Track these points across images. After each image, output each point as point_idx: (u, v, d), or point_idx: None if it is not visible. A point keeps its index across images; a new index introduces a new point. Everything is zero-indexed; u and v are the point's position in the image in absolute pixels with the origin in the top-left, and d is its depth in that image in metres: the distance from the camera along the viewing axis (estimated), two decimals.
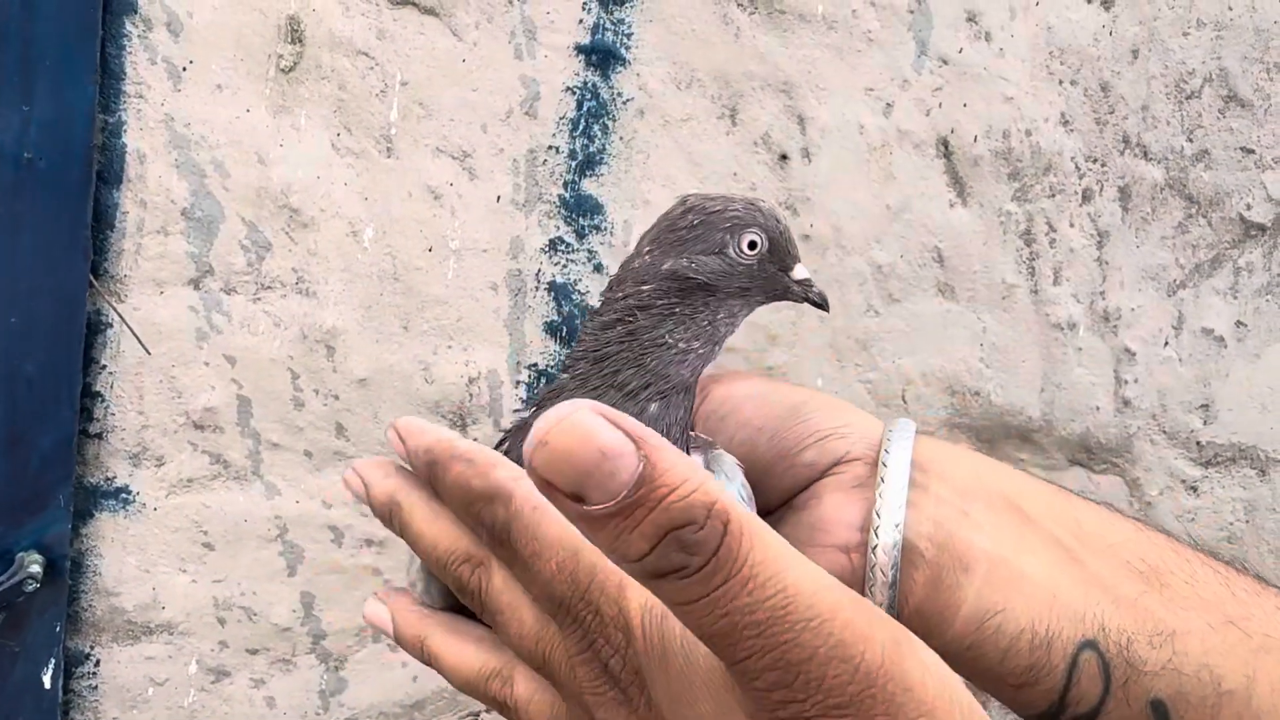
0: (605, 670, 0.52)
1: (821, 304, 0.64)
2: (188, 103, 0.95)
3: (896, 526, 0.62)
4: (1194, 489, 1.31)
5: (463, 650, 0.60)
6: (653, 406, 0.60)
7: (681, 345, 0.61)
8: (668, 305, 0.61)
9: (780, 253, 0.62)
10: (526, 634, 0.55)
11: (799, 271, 0.63)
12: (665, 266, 0.61)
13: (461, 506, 0.56)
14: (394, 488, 0.62)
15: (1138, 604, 0.61)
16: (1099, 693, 0.61)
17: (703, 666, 0.45)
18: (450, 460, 0.56)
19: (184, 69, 0.94)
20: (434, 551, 0.60)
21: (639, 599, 0.50)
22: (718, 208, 0.62)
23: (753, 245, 0.61)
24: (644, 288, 0.61)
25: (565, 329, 1.07)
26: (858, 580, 0.63)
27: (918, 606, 0.62)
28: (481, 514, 0.54)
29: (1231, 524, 1.33)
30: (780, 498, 0.67)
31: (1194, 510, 1.31)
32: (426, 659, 0.62)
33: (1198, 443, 1.30)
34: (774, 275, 0.63)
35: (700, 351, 0.61)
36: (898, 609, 0.62)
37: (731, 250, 0.61)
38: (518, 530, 0.53)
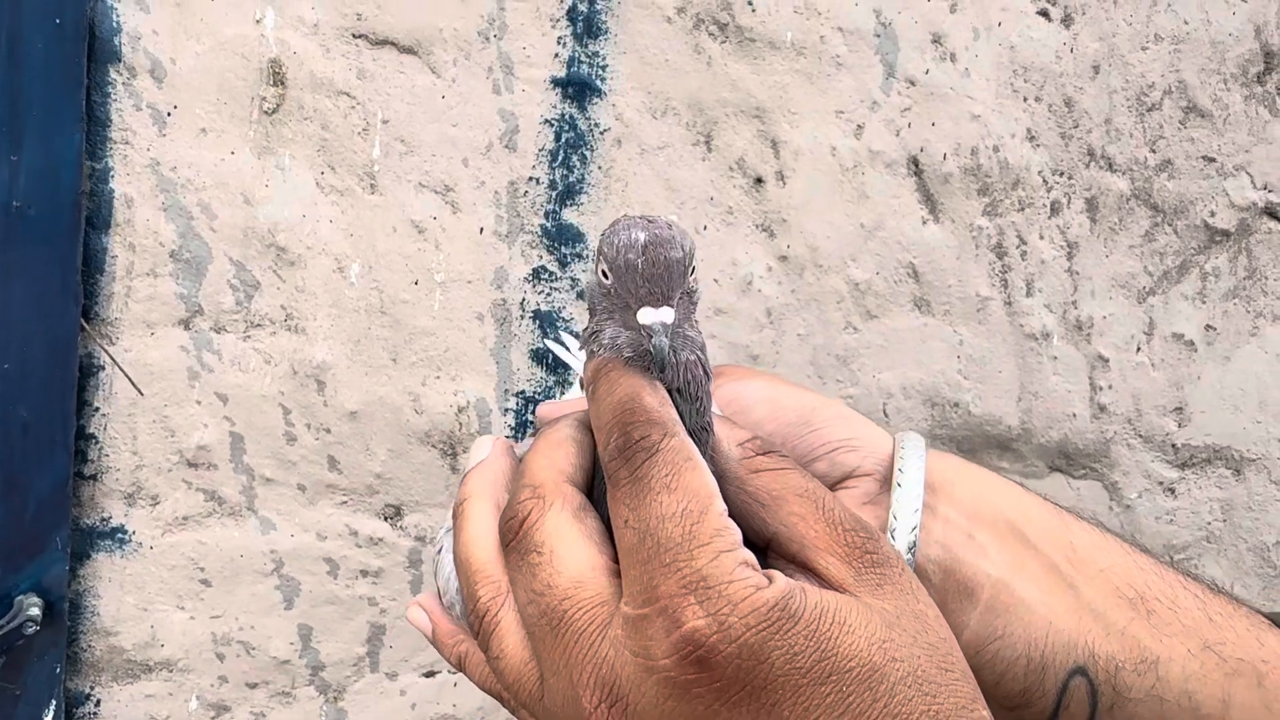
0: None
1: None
2: (173, 147, 0.96)
3: (910, 549, 0.63)
4: (1171, 490, 1.32)
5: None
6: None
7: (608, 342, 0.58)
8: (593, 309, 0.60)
9: (625, 290, 0.56)
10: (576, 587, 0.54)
11: (644, 315, 0.56)
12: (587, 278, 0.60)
13: (615, 413, 0.56)
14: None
15: (1126, 632, 0.64)
16: (1086, 716, 0.64)
17: None
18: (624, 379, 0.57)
19: (168, 114, 0.96)
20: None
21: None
22: (607, 230, 0.58)
23: (605, 275, 0.57)
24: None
25: (551, 356, 1.07)
26: None
27: None
28: (633, 429, 0.54)
29: (1209, 524, 1.34)
30: None
31: (1172, 511, 1.32)
32: (462, 667, 0.64)
33: (1173, 445, 1.31)
34: (625, 310, 0.57)
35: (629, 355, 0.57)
36: None
37: (597, 274, 0.58)
38: (662, 460, 0.53)
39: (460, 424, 1.07)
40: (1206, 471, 1.33)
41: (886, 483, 0.66)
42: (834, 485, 0.66)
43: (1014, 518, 0.66)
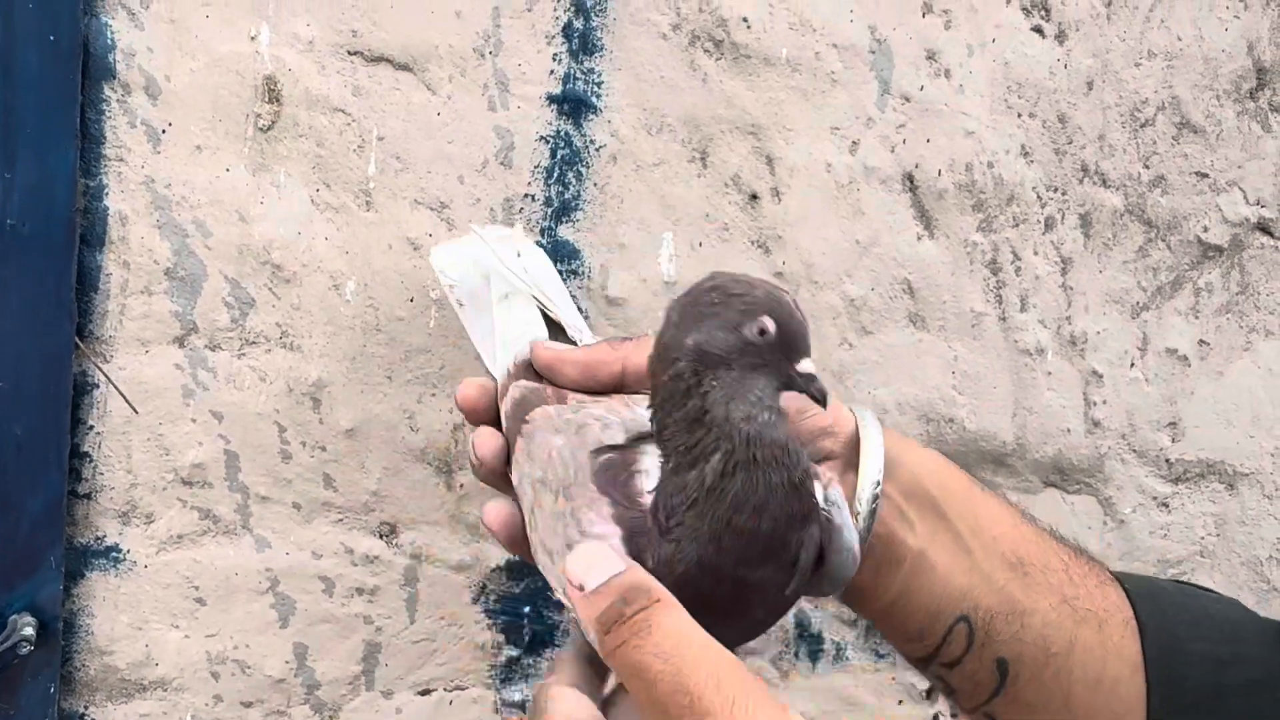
0: None
1: (820, 399, 0.68)
2: (168, 164, 0.96)
3: (869, 519, 0.80)
4: (1165, 505, 1.32)
5: None
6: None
7: (720, 412, 0.65)
8: (696, 376, 0.66)
9: (788, 344, 0.66)
10: None
11: (804, 365, 0.67)
12: (689, 341, 0.66)
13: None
14: None
15: (1004, 590, 0.83)
16: (962, 651, 0.83)
17: None
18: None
19: (163, 131, 0.95)
20: None
21: None
22: (740, 290, 0.66)
23: (763, 331, 0.65)
24: (679, 363, 0.66)
25: None
26: None
27: (859, 585, 0.81)
28: None
29: (1203, 538, 1.34)
30: None
31: (1166, 526, 1.32)
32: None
33: (1167, 460, 1.31)
34: (780, 362, 0.66)
35: (743, 414, 0.65)
36: None
37: (745, 330, 0.65)
38: None
39: (456, 442, 1.06)
40: (1200, 486, 1.34)
41: (851, 463, 0.82)
42: (816, 463, 0.76)
43: (936, 495, 0.83)
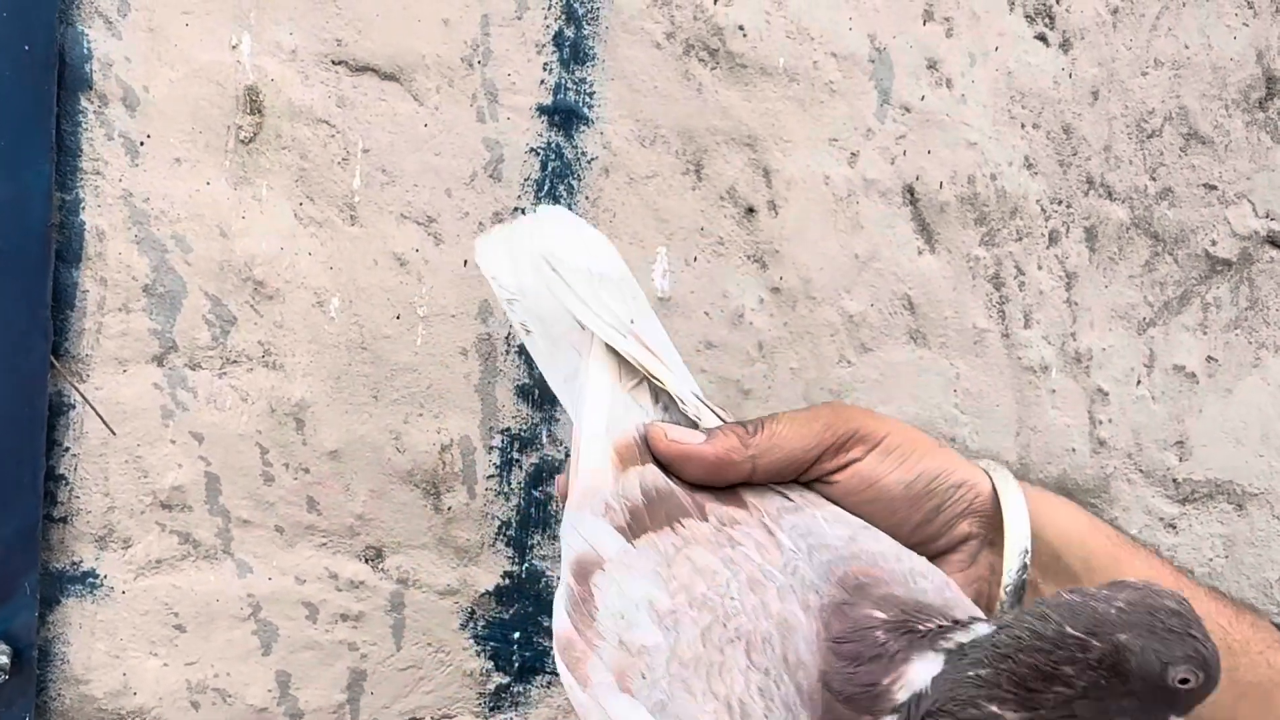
0: None
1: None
2: (146, 178, 0.95)
3: (1016, 593, 0.72)
4: (1173, 526, 1.31)
5: None
6: None
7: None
8: (1094, 676, 0.58)
9: (1182, 702, 0.59)
10: None
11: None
12: (1121, 637, 0.58)
13: None
14: None
15: None
16: None
17: None
18: None
19: (141, 143, 0.94)
20: None
21: None
22: (1198, 634, 0.58)
23: (1184, 681, 0.58)
24: (1094, 641, 0.58)
25: (538, 392, 1.06)
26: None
27: None
28: None
29: (1211, 560, 1.33)
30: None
31: (1173, 547, 1.31)
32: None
33: (1174, 480, 1.30)
34: (1152, 709, 0.59)
35: None
36: None
37: (1171, 672, 0.58)
38: None
39: (444, 463, 1.05)
40: (1208, 507, 1.32)
41: (988, 541, 0.74)
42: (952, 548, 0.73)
43: (1079, 569, 0.73)
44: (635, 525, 0.67)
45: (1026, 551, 0.72)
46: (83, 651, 0.98)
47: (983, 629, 0.60)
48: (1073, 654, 0.57)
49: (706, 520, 0.68)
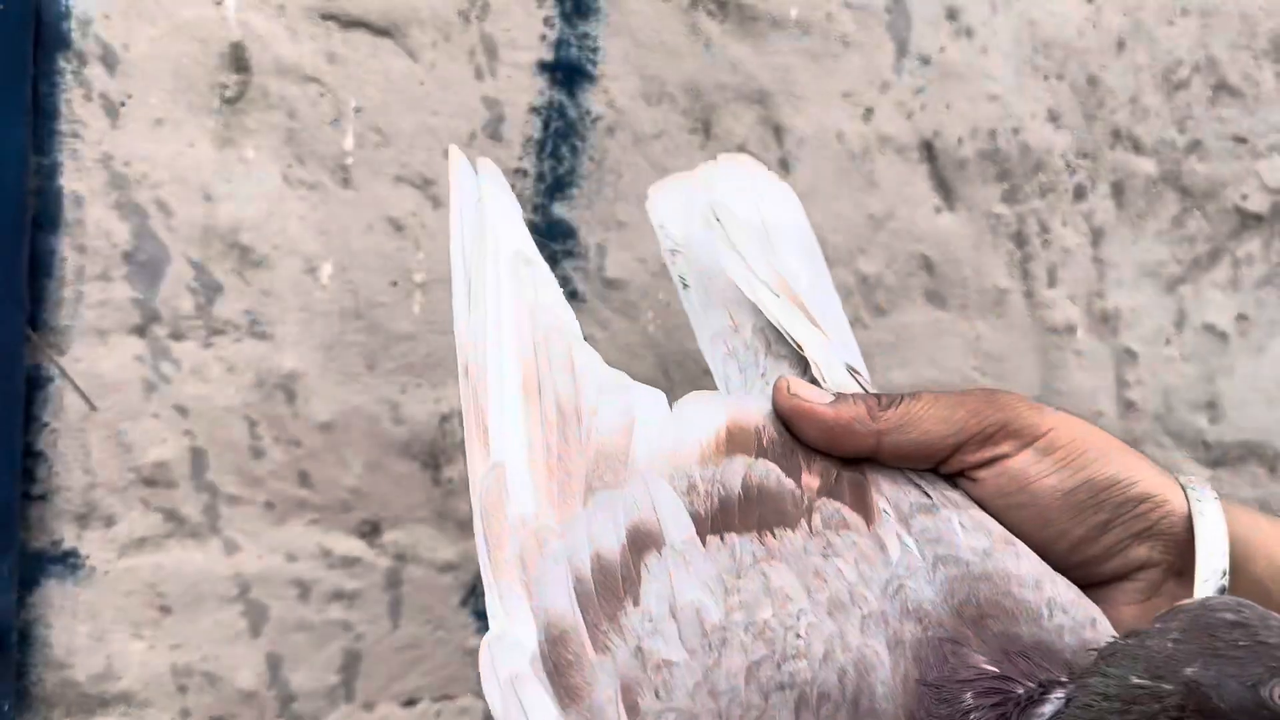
0: None
1: None
2: (127, 140, 0.94)
3: None
4: None
5: None
6: None
7: None
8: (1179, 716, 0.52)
9: None
10: None
11: None
12: (1189, 672, 0.51)
13: None
14: None
15: None
16: None
17: None
18: None
19: (121, 104, 0.93)
20: None
21: None
22: (1275, 640, 0.52)
23: None
24: (1163, 685, 0.52)
25: None
26: None
27: None
28: None
29: None
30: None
31: None
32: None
33: (1204, 443, 1.29)
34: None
35: None
36: None
37: (1265, 692, 0.51)
38: None
39: (444, 433, 1.04)
40: (1240, 470, 1.32)
41: (1175, 571, 0.63)
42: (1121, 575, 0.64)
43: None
44: (717, 520, 0.59)
45: (1224, 589, 0.61)
46: (64, 634, 0.98)
47: (1058, 698, 0.53)
48: (1149, 708, 0.51)
49: (810, 519, 0.59)
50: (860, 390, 0.69)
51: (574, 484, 0.59)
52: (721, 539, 0.57)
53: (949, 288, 1.16)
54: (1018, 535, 0.61)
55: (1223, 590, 0.60)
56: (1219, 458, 1.30)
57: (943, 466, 0.64)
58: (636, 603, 0.55)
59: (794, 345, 0.69)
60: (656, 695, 0.52)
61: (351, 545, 1.04)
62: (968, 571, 0.57)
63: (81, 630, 0.98)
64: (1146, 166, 1.20)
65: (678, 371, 1.06)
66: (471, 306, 0.66)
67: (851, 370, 0.71)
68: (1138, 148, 1.20)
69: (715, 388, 0.72)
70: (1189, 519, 0.62)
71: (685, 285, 0.75)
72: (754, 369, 0.70)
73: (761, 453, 0.62)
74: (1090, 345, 1.22)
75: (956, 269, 1.16)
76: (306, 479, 1.01)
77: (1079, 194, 1.19)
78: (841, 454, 0.64)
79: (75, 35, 0.91)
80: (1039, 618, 0.56)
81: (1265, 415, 1.30)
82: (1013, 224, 1.17)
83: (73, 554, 0.97)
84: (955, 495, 0.63)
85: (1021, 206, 1.17)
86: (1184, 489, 0.63)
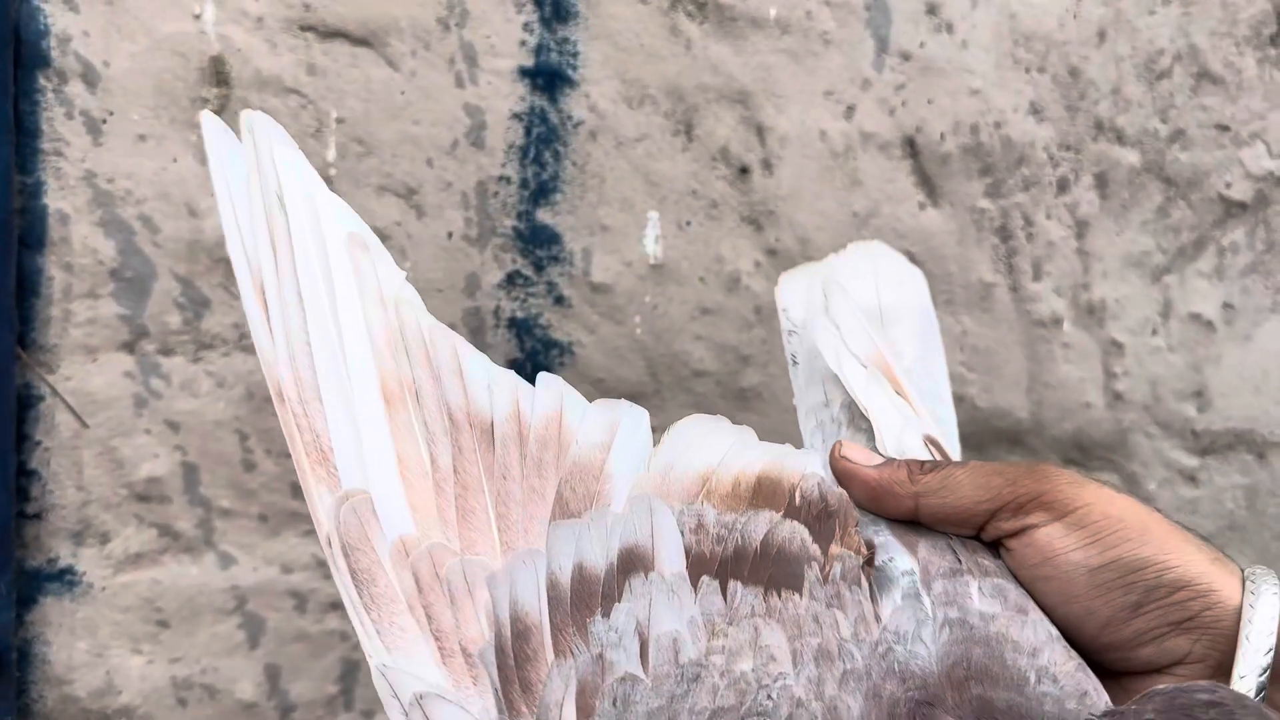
0: None
1: None
2: (110, 157, 0.93)
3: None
4: (1192, 479, 1.29)
5: None
6: None
7: None
8: None
9: None
10: None
11: None
12: None
13: None
14: None
15: None
16: None
17: None
18: None
19: (103, 121, 0.93)
20: None
21: None
22: (1243, 716, 0.49)
23: None
24: None
25: (529, 366, 1.03)
26: None
27: None
28: None
29: (1232, 512, 1.32)
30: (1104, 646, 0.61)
31: (1194, 500, 1.30)
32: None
33: (1193, 431, 1.28)
34: None
35: None
36: None
37: None
38: None
39: None
40: (1228, 458, 1.31)
41: (1225, 669, 0.58)
42: (1158, 668, 0.60)
43: None
44: (726, 566, 0.57)
45: (1261, 687, 0.57)
46: (63, 651, 0.97)
47: None
48: None
49: (825, 578, 0.57)
50: (929, 457, 0.68)
51: (477, 499, 0.56)
52: (722, 584, 0.56)
53: (934, 283, 1.13)
54: (1045, 609, 0.59)
55: (1262, 690, 0.56)
56: (1208, 446, 1.29)
57: (983, 533, 0.63)
58: (607, 615, 0.53)
59: (862, 410, 0.69)
60: (614, 704, 0.51)
61: None
62: (970, 635, 0.56)
63: (80, 646, 0.97)
64: (1130, 157, 1.19)
65: (666, 374, 1.06)
66: (283, 311, 0.57)
67: (929, 440, 0.70)
68: (1120, 139, 1.19)
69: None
70: (1239, 613, 0.58)
71: (795, 363, 0.76)
72: (835, 440, 0.69)
73: (792, 512, 0.60)
74: (1077, 337, 1.21)
75: (942, 265, 1.15)
76: (299, 491, 0.99)
77: (1062, 186, 1.18)
78: (885, 515, 0.64)
79: (55, 53, 0.91)
80: (1023, 685, 0.54)
81: (1253, 403, 1.29)
82: (997, 218, 1.16)
83: (69, 571, 0.97)
84: (988, 562, 0.61)
85: (1005, 200, 1.16)
86: (1244, 577, 0.59)
